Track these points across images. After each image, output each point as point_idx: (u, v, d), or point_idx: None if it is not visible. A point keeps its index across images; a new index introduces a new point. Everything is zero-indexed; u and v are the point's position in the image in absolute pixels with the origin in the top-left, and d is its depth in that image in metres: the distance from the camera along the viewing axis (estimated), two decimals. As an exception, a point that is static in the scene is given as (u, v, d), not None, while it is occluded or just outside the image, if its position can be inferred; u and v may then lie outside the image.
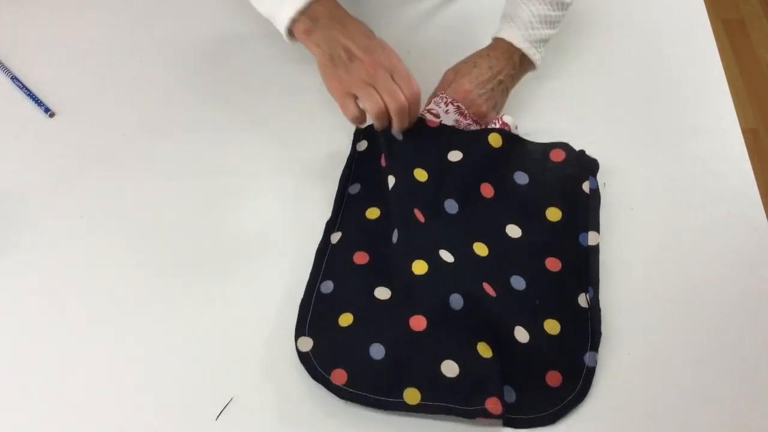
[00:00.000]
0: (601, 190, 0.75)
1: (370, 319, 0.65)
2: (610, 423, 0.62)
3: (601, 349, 0.65)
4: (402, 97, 0.67)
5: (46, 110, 0.83)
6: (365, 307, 0.65)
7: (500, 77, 0.75)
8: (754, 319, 0.68)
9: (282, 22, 0.68)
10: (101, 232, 0.74)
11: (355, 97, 0.68)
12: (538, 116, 0.82)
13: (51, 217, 0.75)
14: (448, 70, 0.77)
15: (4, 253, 0.72)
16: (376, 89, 0.67)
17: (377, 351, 0.63)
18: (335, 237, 0.70)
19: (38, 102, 0.84)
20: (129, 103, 0.84)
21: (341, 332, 0.64)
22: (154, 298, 0.69)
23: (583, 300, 0.66)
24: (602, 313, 0.67)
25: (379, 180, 0.72)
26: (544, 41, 0.75)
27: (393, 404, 0.60)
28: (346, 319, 0.65)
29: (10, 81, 0.86)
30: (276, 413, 0.63)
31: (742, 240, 0.73)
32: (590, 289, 0.66)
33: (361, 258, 0.69)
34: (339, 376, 0.62)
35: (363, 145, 0.77)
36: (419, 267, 0.65)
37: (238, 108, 0.84)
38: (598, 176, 0.75)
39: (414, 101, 0.69)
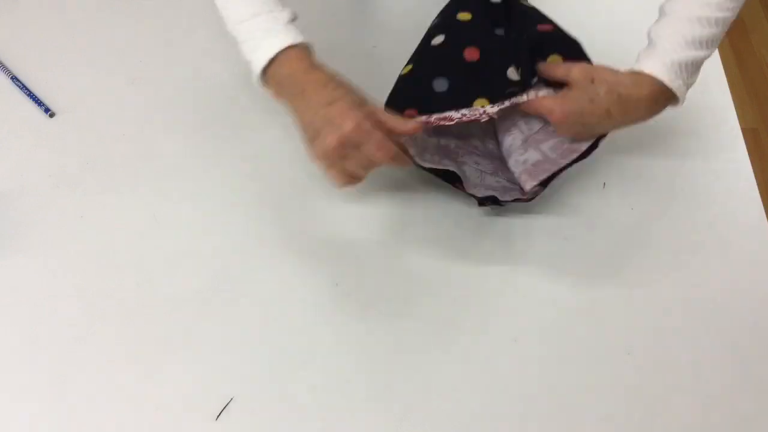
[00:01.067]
0: (601, 190, 0.75)
1: (426, 61, 0.71)
2: (610, 423, 0.62)
3: (601, 349, 0.65)
4: (377, 162, 0.62)
5: (46, 110, 0.83)
6: (422, 51, 0.72)
7: (632, 115, 0.67)
8: (754, 319, 0.68)
9: (254, 79, 0.66)
10: (101, 232, 0.74)
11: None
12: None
13: (51, 217, 0.75)
14: (580, 70, 0.67)
15: (4, 253, 0.72)
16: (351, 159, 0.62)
17: (440, 84, 0.68)
18: None
19: (38, 102, 0.84)
20: (129, 103, 0.84)
21: (403, 79, 0.71)
22: (154, 297, 0.69)
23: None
24: (602, 311, 0.67)
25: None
26: (697, 66, 0.65)
27: (465, 107, 0.66)
28: (406, 69, 0.72)
29: (10, 81, 0.86)
30: (276, 413, 0.63)
31: (742, 240, 0.73)
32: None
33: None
34: (409, 113, 0.67)
35: None
36: (464, 15, 0.72)
37: (238, 107, 0.84)
38: (598, 176, 0.75)
39: (389, 154, 0.62)
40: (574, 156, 0.70)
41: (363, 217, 0.75)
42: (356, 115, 0.60)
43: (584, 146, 0.70)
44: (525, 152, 0.72)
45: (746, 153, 0.79)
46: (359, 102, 0.62)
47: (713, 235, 0.73)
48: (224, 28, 0.67)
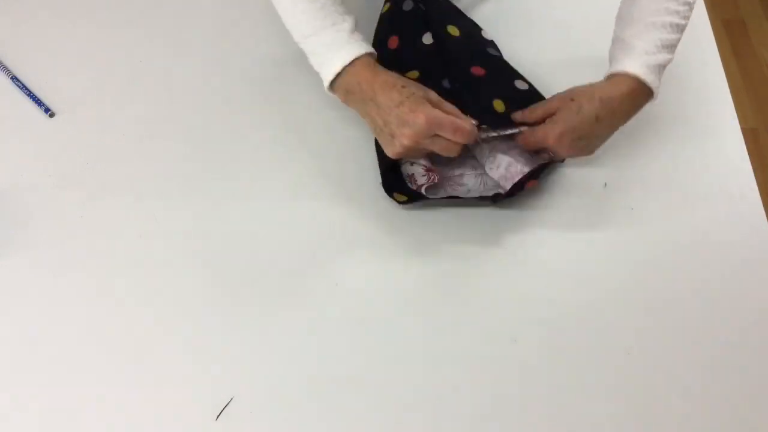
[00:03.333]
0: (601, 191, 0.75)
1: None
2: (611, 423, 0.62)
3: (601, 349, 0.65)
4: (455, 147, 0.67)
5: (46, 110, 0.83)
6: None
7: (620, 122, 0.70)
8: (754, 319, 0.68)
9: (325, 88, 0.71)
10: (101, 232, 0.74)
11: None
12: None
13: (51, 217, 0.75)
14: (556, 101, 0.70)
15: (4, 253, 0.72)
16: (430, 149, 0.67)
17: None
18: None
19: (38, 102, 0.84)
20: (129, 103, 0.84)
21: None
22: (154, 297, 0.69)
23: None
24: (602, 311, 0.67)
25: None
26: (664, 66, 0.69)
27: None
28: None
29: (10, 81, 0.86)
30: (276, 413, 0.63)
31: (742, 240, 0.73)
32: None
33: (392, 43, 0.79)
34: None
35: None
36: (411, 75, 0.75)
37: (238, 107, 0.84)
38: (599, 176, 0.75)
39: (466, 134, 0.66)
40: (536, 165, 0.72)
41: (363, 216, 0.75)
42: (425, 110, 0.64)
43: (542, 159, 0.73)
44: (495, 159, 0.74)
45: (746, 153, 0.79)
46: (425, 97, 0.66)
47: (713, 235, 0.73)
48: (277, 27, 0.72)
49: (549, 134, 0.68)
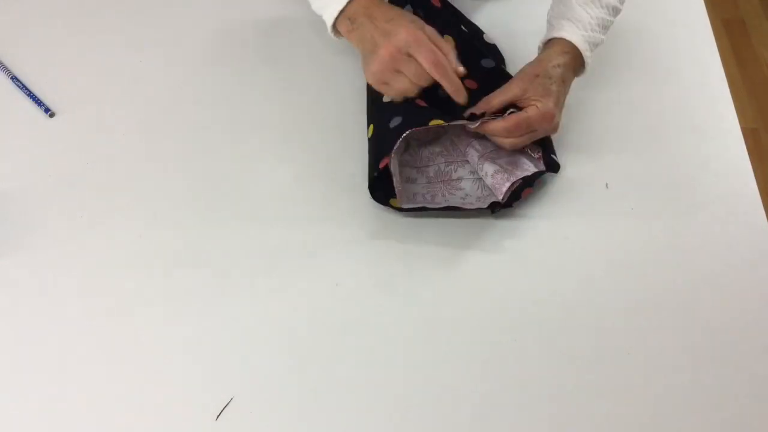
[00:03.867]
0: (601, 191, 0.75)
1: (381, 112, 0.74)
2: (611, 423, 0.62)
3: (601, 349, 0.65)
4: (425, 73, 0.66)
5: (46, 110, 0.83)
6: (376, 108, 0.76)
7: (568, 83, 0.73)
8: (754, 319, 0.68)
9: (327, 23, 0.71)
10: (101, 232, 0.74)
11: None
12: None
13: (51, 217, 0.75)
14: (516, 81, 0.71)
15: (4, 253, 0.72)
16: (402, 72, 0.67)
17: (395, 121, 0.71)
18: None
19: (38, 102, 0.84)
20: (129, 103, 0.84)
21: (371, 140, 0.75)
22: (154, 297, 0.69)
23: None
24: (603, 311, 0.67)
25: None
26: (597, 46, 0.74)
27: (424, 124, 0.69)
28: (369, 130, 0.76)
29: (10, 81, 0.86)
30: (276, 413, 0.63)
31: (742, 240, 0.73)
32: None
33: None
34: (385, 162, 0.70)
35: None
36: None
37: (238, 107, 0.84)
38: (599, 177, 0.76)
39: (439, 67, 0.66)
40: (528, 173, 0.72)
41: (363, 216, 0.75)
42: (411, 26, 0.65)
43: (535, 168, 0.73)
44: (483, 166, 0.73)
45: (746, 153, 0.79)
46: (417, 21, 0.67)
47: (713, 235, 0.73)
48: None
49: (542, 112, 0.68)
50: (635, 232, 0.73)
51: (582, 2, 0.72)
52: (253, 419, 0.62)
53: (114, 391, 0.64)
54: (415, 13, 0.81)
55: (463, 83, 0.73)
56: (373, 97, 0.77)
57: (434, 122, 0.70)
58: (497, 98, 0.71)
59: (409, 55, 0.65)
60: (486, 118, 0.70)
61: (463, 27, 0.84)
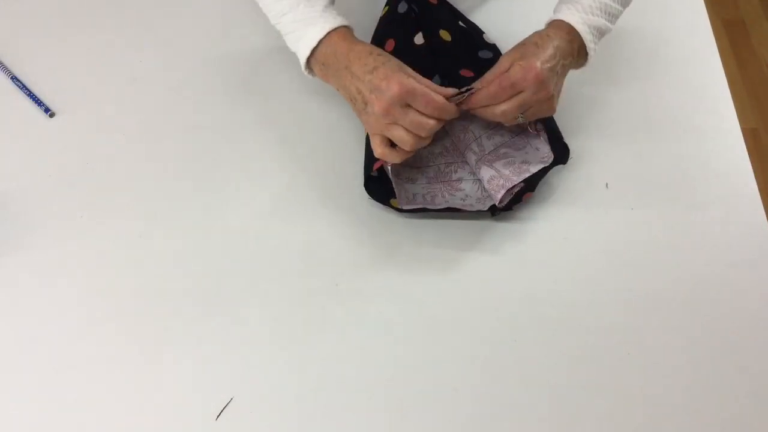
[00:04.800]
0: (600, 191, 0.75)
1: None
2: (611, 423, 0.62)
3: (601, 349, 0.65)
4: (428, 122, 0.63)
5: (46, 110, 0.83)
6: None
7: (563, 61, 0.68)
8: (754, 319, 0.68)
9: (302, 67, 0.71)
10: (101, 232, 0.74)
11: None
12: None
13: (51, 217, 0.75)
14: (505, 56, 0.68)
15: (4, 253, 0.72)
16: (401, 125, 0.64)
17: None
18: None
19: (38, 102, 0.84)
20: (129, 103, 0.84)
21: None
22: (154, 297, 0.69)
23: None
24: (603, 311, 0.67)
25: None
26: (602, 33, 0.70)
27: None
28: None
29: (10, 81, 0.86)
30: (276, 413, 0.63)
31: (742, 240, 0.73)
32: None
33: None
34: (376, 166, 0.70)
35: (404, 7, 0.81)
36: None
37: (238, 107, 0.84)
38: (599, 177, 0.76)
39: (441, 113, 0.64)
40: (526, 175, 0.70)
41: (363, 217, 0.75)
42: (399, 77, 0.62)
43: (535, 167, 0.71)
44: (480, 171, 0.73)
45: (746, 153, 0.79)
46: (401, 66, 0.65)
47: (713, 235, 0.73)
48: (269, 23, 0.72)
49: (524, 68, 0.64)
50: (635, 232, 0.73)
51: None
52: (253, 419, 0.62)
53: (114, 391, 0.64)
54: (409, 9, 0.80)
55: (459, 72, 0.73)
56: None
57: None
58: (489, 74, 0.68)
59: (407, 106, 0.63)
60: (471, 91, 0.67)
61: (461, 23, 0.84)
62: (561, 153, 0.73)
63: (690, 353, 0.66)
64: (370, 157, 0.73)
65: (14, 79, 0.86)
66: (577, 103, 0.84)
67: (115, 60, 0.89)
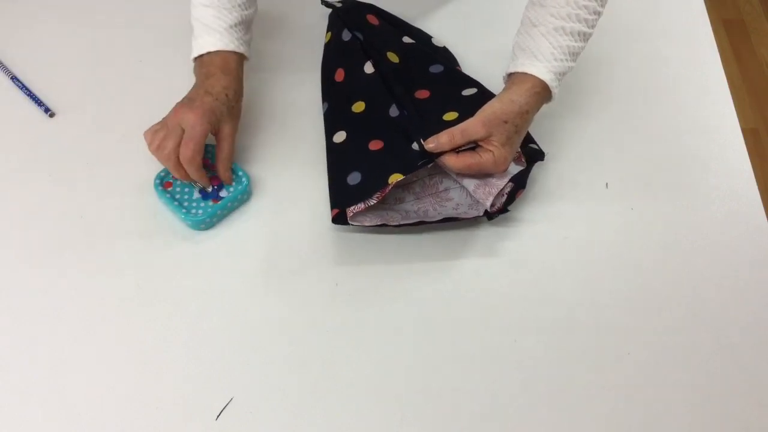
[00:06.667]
0: (600, 190, 0.75)
1: (335, 161, 0.74)
2: (611, 423, 0.62)
3: (601, 349, 0.65)
4: (173, 155, 0.70)
5: (46, 110, 0.83)
6: (328, 150, 0.75)
7: (529, 116, 0.69)
8: (754, 319, 0.68)
9: (191, 58, 0.77)
10: (101, 232, 0.74)
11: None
12: (537, 117, 0.82)
13: (51, 217, 0.75)
14: (473, 124, 0.68)
15: (4, 252, 0.72)
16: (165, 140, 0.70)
17: (354, 177, 0.70)
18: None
19: (38, 102, 0.84)
20: (129, 103, 0.84)
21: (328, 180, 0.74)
22: (154, 297, 0.69)
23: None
24: (603, 312, 0.67)
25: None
26: (564, 74, 0.70)
27: (380, 189, 0.68)
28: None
29: (10, 81, 0.86)
30: (276, 413, 0.63)
31: (742, 240, 0.73)
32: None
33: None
34: (334, 213, 0.69)
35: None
36: (357, 107, 0.76)
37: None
38: (599, 177, 0.76)
39: (189, 163, 0.70)
40: (508, 177, 0.70)
41: (363, 217, 0.75)
42: (186, 115, 0.70)
43: (515, 169, 0.71)
44: (463, 180, 0.72)
45: (746, 153, 0.79)
46: (210, 115, 0.70)
47: (713, 235, 0.73)
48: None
49: (496, 160, 0.67)
50: (635, 232, 0.73)
51: (545, 32, 0.68)
52: (253, 419, 0.62)
53: (114, 391, 0.64)
54: (353, 37, 0.80)
55: (414, 94, 0.74)
56: (328, 130, 0.77)
57: (394, 177, 0.68)
58: (462, 137, 0.68)
59: (182, 131, 0.69)
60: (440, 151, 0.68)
61: (406, 38, 0.83)
62: (535, 152, 0.73)
63: (690, 353, 0.66)
64: (336, 199, 0.71)
65: (14, 79, 0.86)
66: (577, 104, 0.84)
67: (115, 60, 0.89)
